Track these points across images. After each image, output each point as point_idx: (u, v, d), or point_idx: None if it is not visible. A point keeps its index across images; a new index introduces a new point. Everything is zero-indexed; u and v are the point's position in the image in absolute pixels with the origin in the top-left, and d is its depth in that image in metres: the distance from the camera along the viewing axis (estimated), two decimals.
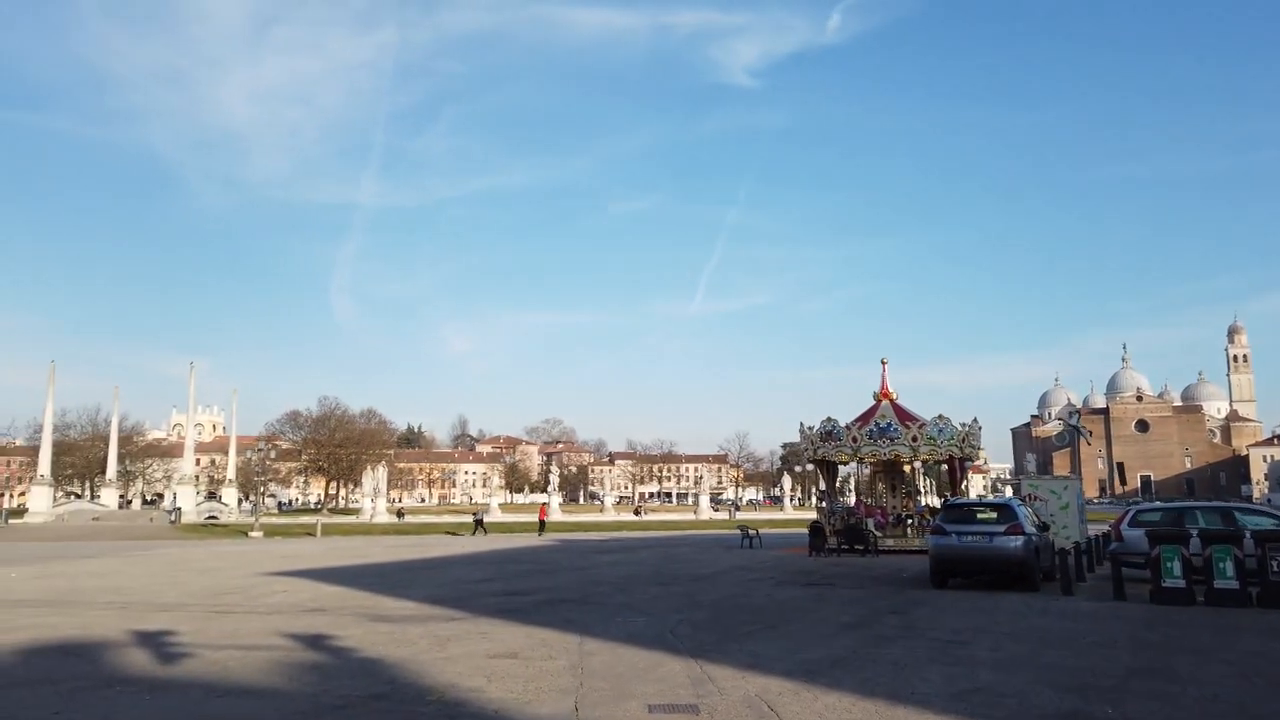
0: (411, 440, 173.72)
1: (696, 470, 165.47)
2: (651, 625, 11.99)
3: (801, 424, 32.21)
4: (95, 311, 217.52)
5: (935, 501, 41.05)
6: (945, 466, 33.54)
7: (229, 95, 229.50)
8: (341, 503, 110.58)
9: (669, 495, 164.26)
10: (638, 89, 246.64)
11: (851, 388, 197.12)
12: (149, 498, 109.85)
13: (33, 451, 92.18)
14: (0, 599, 16.23)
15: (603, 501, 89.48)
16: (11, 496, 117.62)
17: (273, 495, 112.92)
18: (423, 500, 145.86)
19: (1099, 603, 14.92)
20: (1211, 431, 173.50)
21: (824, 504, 33.39)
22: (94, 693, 7.89)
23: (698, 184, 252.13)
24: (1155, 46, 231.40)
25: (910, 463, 31.91)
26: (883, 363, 32.65)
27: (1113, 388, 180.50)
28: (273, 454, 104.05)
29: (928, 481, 58.63)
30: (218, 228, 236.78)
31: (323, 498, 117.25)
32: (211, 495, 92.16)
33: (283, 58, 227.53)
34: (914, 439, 29.44)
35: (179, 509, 72.81)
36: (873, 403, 31.63)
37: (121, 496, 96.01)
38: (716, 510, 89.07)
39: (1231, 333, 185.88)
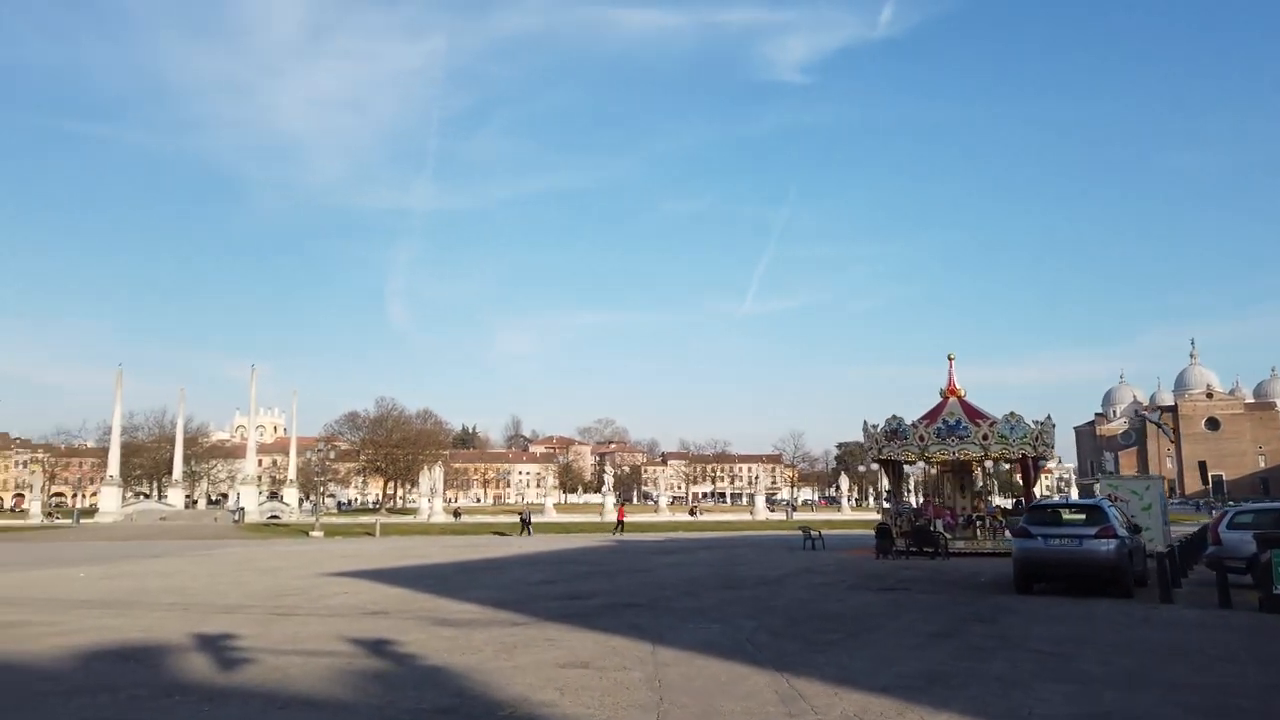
0: (466, 441, 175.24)
1: (750, 470, 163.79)
2: (726, 633, 11.37)
3: (865, 422, 31.31)
4: (160, 316, 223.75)
5: (1006, 503, 39.67)
6: (1006, 466, 32.31)
7: (286, 103, 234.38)
8: (399, 502, 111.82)
9: (723, 495, 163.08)
10: (687, 88, 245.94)
11: (908, 386, 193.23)
12: (214, 498, 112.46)
13: (102, 453, 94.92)
14: (68, 599, 16.27)
15: (657, 502, 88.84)
16: (84, 497, 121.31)
17: (332, 495, 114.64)
18: (478, 500, 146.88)
19: (1203, 611, 13.89)
20: None
21: (889, 505, 32.40)
22: (152, 702, 7.56)
23: (748, 182, 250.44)
24: (1225, 26, 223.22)
25: (981, 462, 30.77)
26: (949, 358, 31.60)
27: (1181, 384, 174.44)
28: (332, 454, 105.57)
29: (990, 482, 57.03)
30: (276, 234, 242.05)
31: (381, 498, 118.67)
32: (273, 495, 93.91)
33: (337, 65, 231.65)
34: (984, 437, 28.36)
35: (242, 509, 74.25)
36: (939, 400, 30.60)
37: (187, 496, 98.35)
38: (772, 510, 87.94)
39: None
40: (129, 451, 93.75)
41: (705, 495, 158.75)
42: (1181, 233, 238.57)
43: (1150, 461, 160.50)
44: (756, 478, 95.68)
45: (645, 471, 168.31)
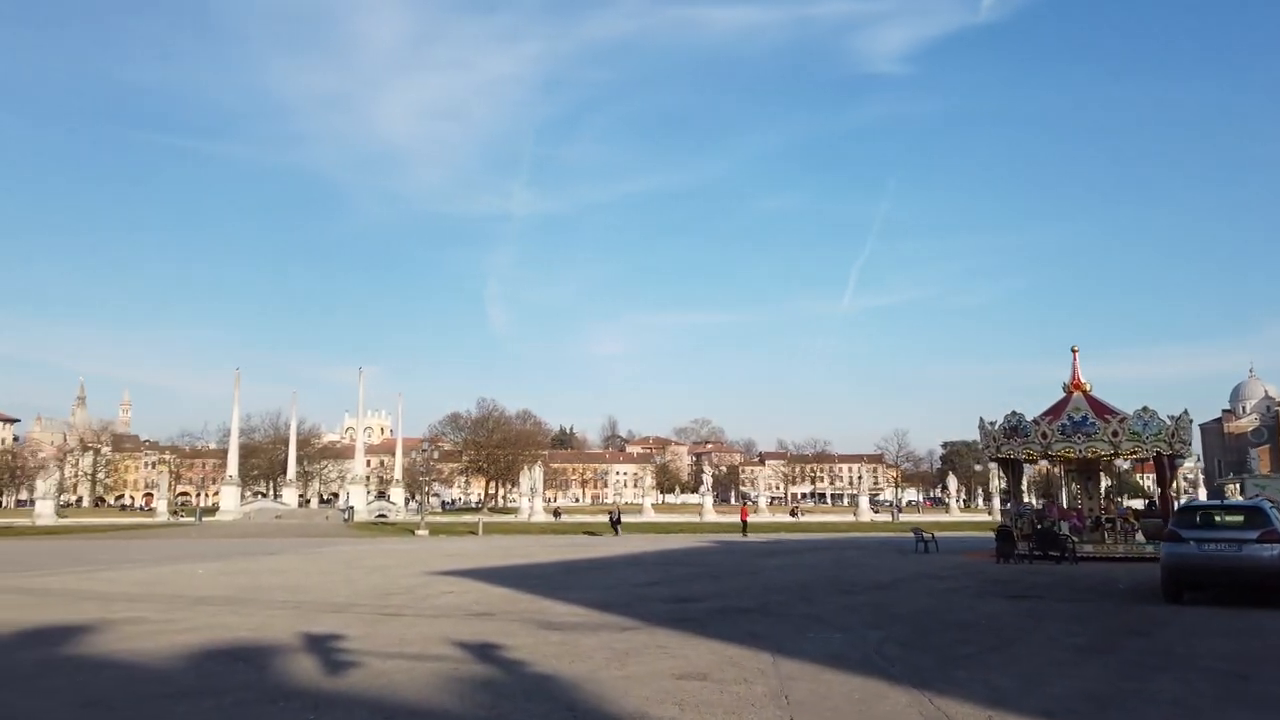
0: (564, 441, 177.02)
1: (851, 470, 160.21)
2: (851, 643, 10.55)
3: (981, 419, 29.73)
4: (274, 322, 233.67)
5: (1136, 504, 37.19)
6: (1127, 465, 30.11)
7: (388, 114, 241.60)
8: (500, 502, 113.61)
9: (822, 496, 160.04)
10: (781, 84, 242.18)
11: (1018, 384, 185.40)
12: (325, 497, 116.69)
13: (223, 454, 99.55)
14: (186, 596, 16.58)
15: (756, 502, 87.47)
16: (206, 495, 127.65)
17: (436, 494, 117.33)
18: (576, 500, 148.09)
19: None
20: None
21: (1009, 505, 30.67)
22: (256, 707, 7.29)
23: (844, 177, 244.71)
24: None
25: (1110, 461, 28.76)
26: (1073, 351, 29.65)
27: None
28: (436, 455, 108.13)
29: (1116, 482, 53.85)
30: (381, 241, 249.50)
31: (483, 497, 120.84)
32: (380, 495, 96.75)
33: (436, 76, 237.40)
34: (1114, 434, 26.45)
35: (351, 508, 76.53)
36: (1062, 395, 28.76)
37: (301, 495, 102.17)
38: (876, 511, 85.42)
39: None
40: (246, 452, 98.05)
41: (804, 495, 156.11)
42: None
43: None
44: (858, 478, 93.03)
45: (743, 472, 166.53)
